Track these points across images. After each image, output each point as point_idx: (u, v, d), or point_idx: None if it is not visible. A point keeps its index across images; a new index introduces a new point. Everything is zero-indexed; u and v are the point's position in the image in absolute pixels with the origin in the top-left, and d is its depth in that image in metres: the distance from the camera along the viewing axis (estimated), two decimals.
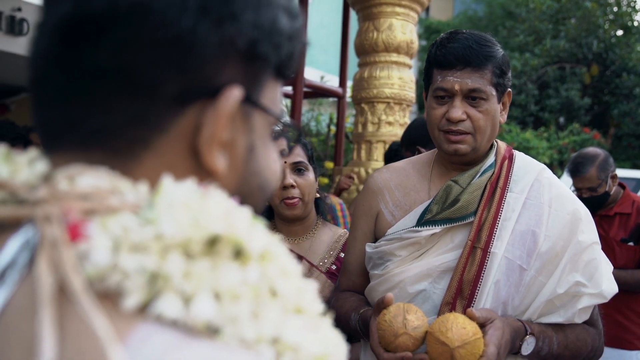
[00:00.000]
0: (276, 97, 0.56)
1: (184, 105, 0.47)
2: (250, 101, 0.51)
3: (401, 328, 1.21)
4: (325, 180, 6.28)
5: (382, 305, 1.28)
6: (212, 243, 0.43)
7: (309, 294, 0.49)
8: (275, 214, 1.89)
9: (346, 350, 0.51)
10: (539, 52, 12.14)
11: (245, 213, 0.46)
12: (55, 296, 0.38)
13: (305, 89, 4.39)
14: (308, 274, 1.81)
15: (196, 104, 0.48)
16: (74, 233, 0.41)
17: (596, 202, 3.07)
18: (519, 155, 1.50)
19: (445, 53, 1.36)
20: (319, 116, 8.27)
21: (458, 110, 1.35)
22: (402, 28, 3.69)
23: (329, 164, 6.32)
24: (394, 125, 3.72)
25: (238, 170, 0.52)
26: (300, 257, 1.82)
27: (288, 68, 0.55)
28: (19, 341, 0.38)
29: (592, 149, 3.16)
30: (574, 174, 3.08)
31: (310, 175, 1.81)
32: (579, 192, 3.11)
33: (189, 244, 0.42)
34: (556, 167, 9.97)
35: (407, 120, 3.79)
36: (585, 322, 1.39)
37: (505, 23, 13.62)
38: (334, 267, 1.83)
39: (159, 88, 0.46)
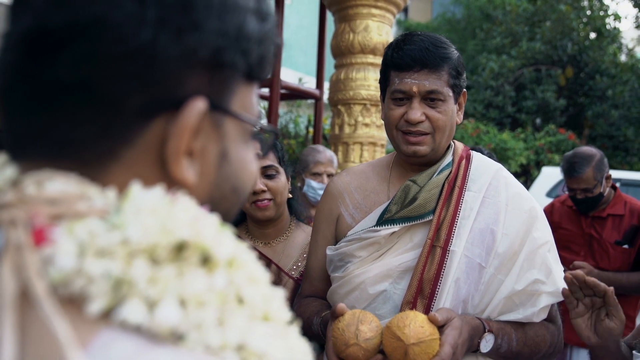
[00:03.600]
0: (250, 100, 0.56)
1: (148, 118, 0.47)
2: (219, 109, 0.51)
3: (352, 338, 1.21)
4: None
5: (335, 314, 1.28)
6: (179, 249, 0.43)
7: (276, 301, 0.49)
8: (248, 217, 1.88)
9: (313, 358, 0.51)
10: (515, 54, 12.33)
11: (213, 220, 0.46)
12: (17, 300, 0.38)
13: (282, 91, 4.39)
14: (277, 279, 1.80)
15: (161, 116, 0.47)
16: (39, 237, 0.41)
17: (590, 203, 2.97)
18: (476, 155, 1.51)
19: (402, 55, 1.37)
20: (297, 118, 8.26)
21: (417, 111, 1.36)
22: (378, 29, 3.71)
23: None
24: (370, 126, 3.75)
25: (209, 177, 0.52)
26: (269, 262, 1.81)
27: (260, 71, 0.55)
28: None
29: (587, 149, 3.00)
30: (569, 174, 2.93)
31: (282, 177, 1.81)
32: (573, 192, 2.98)
33: (155, 249, 0.42)
34: (533, 167, 10.13)
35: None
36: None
37: (482, 25, 13.80)
38: None
39: (122, 101, 0.45)
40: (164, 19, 0.45)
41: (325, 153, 3.20)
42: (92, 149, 0.46)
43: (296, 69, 9.45)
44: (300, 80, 7.61)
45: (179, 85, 0.47)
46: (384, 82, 1.46)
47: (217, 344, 0.42)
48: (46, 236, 0.41)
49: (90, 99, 0.45)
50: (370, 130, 3.74)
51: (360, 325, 1.22)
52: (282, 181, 1.80)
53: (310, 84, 5.59)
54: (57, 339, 0.36)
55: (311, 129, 6.84)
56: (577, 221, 3.09)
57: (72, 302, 0.40)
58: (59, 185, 0.44)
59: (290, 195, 1.91)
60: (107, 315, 0.40)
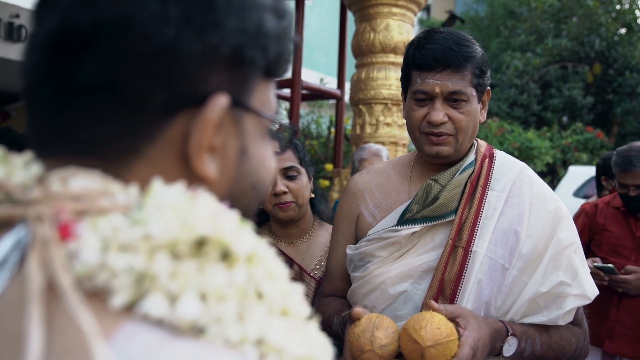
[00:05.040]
0: (268, 97, 0.57)
1: (171, 115, 0.48)
2: (240, 105, 0.52)
3: (367, 344, 1.19)
4: (326, 183, 6.28)
5: (352, 318, 1.27)
6: (200, 244, 0.44)
7: (295, 297, 0.50)
8: (271, 217, 1.89)
9: (332, 353, 0.51)
10: (540, 51, 12.15)
11: (233, 216, 0.47)
12: (43, 293, 0.39)
13: (303, 92, 4.40)
14: (299, 279, 1.80)
15: (184, 112, 0.48)
16: (65, 232, 0.42)
17: None
18: (499, 154, 1.49)
19: (424, 55, 1.34)
20: (319, 118, 8.28)
21: (439, 113, 1.34)
22: (399, 28, 3.70)
23: (330, 166, 6.32)
24: (392, 126, 3.73)
25: (230, 173, 0.53)
26: (291, 262, 1.82)
27: (278, 67, 0.56)
28: (8, 335, 0.39)
29: None
30: (625, 168, 2.74)
31: (303, 178, 1.81)
32: (626, 189, 2.80)
33: (176, 244, 0.43)
34: (559, 166, 9.96)
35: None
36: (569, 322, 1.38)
37: (507, 23, 13.63)
38: None
39: (146, 99, 0.46)
40: (187, 18, 0.46)
41: (370, 148, 3.14)
42: (115, 145, 0.47)
43: (317, 70, 9.46)
44: (321, 80, 7.62)
45: (201, 82, 0.48)
46: (406, 81, 1.44)
47: (236, 338, 0.43)
48: (71, 231, 0.42)
49: (114, 97, 0.46)
50: (392, 130, 3.73)
51: (376, 331, 1.21)
52: (303, 182, 1.80)
53: (331, 84, 5.60)
54: (82, 330, 0.37)
55: (333, 130, 6.86)
56: (625, 224, 2.93)
57: (96, 295, 0.41)
58: (83, 182, 0.45)
59: (313, 195, 1.92)
60: (129, 309, 0.41)
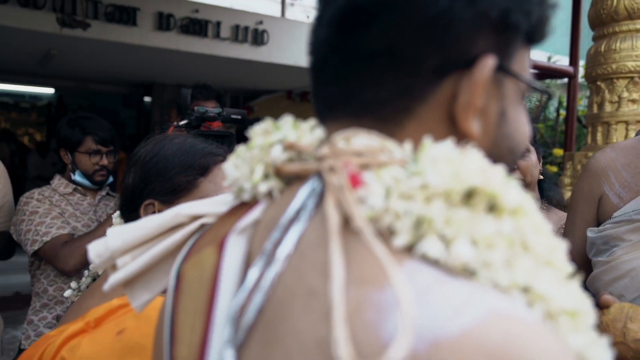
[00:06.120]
0: (526, 63, 0.58)
1: (442, 77, 0.52)
2: (502, 69, 0.54)
3: (618, 336, 1.09)
4: (554, 169, 5.81)
5: (600, 305, 1.18)
6: (469, 195, 0.47)
7: (559, 252, 0.50)
8: None
9: (595, 314, 0.50)
10: None
11: (500, 170, 0.49)
12: (341, 229, 0.47)
13: (531, 71, 4.12)
14: None
15: (453, 74, 0.52)
16: (355, 181, 0.49)
17: None
18: None
19: None
20: None
21: None
22: None
23: (558, 151, 5.83)
24: (638, 102, 3.28)
25: (490, 135, 0.56)
26: None
27: (538, 33, 0.57)
28: (314, 265, 0.47)
29: None
30: None
31: (532, 156, 1.80)
32: None
33: (450, 194, 0.47)
34: None
35: None
36: None
37: None
38: None
39: (421, 63, 0.51)
40: None
41: None
42: (391, 106, 0.53)
43: (544, 49, 8.75)
44: (549, 59, 7.05)
45: (470, 46, 0.51)
46: None
47: (505, 283, 0.45)
48: (360, 180, 0.49)
49: (393, 62, 0.52)
50: (639, 107, 3.27)
51: (630, 323, 1.10)
52: (532, 160, 1.79)
53: (560, 62, 5.15)
54: (379, 258, 0.44)
55: (562, 112, 6.28)
56: None
57: (380, 236, 0.47)
58: (364, 140, 0.52)
59: (542, 177, 1.87)
60: (409, 250, 0.47)
